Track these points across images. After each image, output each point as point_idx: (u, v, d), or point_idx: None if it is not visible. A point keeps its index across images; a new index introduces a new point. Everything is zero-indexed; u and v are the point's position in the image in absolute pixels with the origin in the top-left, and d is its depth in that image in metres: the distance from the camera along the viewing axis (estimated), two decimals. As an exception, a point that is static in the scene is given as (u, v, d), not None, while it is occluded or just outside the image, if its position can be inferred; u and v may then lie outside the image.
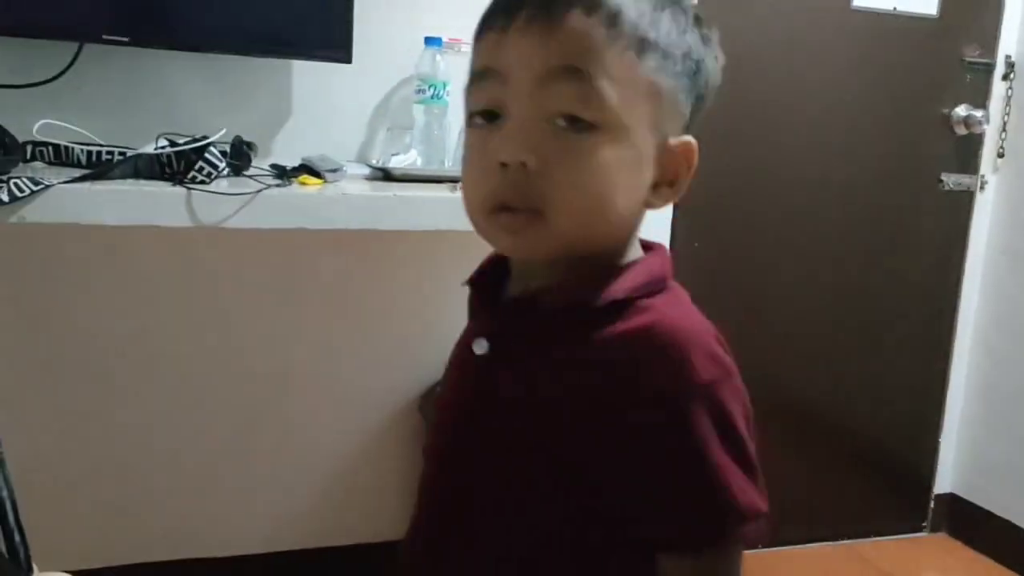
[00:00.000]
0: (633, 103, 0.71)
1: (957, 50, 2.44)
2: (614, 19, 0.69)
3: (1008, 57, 2.48)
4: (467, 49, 1.97)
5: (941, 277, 2.58)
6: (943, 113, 2.46)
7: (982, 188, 2.54)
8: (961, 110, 2.45)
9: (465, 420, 0.79)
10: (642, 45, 0.70)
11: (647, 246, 0.81)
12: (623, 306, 0.73)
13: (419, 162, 1.84)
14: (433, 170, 1.81)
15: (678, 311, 0.75)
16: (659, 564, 0.71)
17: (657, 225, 2.36)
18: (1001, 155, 2.53)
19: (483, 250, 2.08)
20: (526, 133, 0.69)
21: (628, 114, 0.70)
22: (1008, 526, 2.49)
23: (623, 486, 0.71)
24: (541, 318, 0.75)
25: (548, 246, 0.72)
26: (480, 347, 0.77)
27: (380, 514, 2.17)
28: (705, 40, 0.76)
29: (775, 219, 2.40)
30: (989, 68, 2.48)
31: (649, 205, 0.77)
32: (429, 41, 1.86)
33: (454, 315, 2.23)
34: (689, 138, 0.77)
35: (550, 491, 0.73)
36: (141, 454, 1.99)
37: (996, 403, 2.54)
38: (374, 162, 1.90)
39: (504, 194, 0.70)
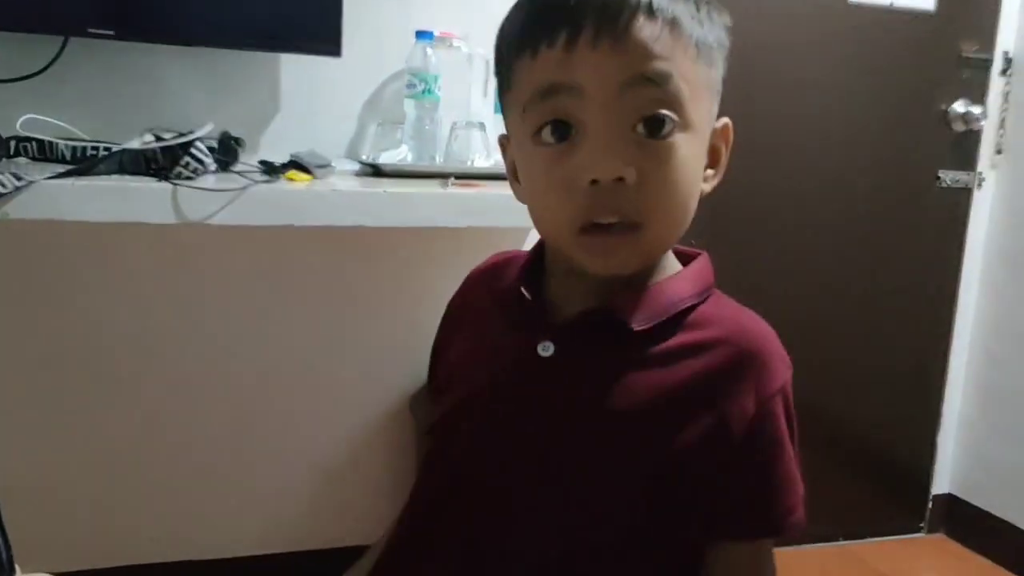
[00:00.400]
0: (699, 99, 0.73)
1: (955, 46, 2.42)
2: (673, 23, 0.71)
3: (1006, 53, 2.46)
4: (458, 43, 1.95)
5: (939, 274, 2.55)
6: (941, 109, 2.44)
7: (980, 185, 2.52)
8: (959, 106, 2.43)
9: (522, 422, 0.79)
10: (698, 45, 0.73)
11: (680, 250, 0.84)
12: (688, 311, 0.78)
13: (410, 158, 1.81)
14: (424, 166, 1.79)
15: (745, 315, 0.81)
16: (712, 553, 0.77)
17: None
18: (999, 151, 2.51)
19: (476, 248, 2.05)
20: (616, 147, 0.70)
21: (696, 110, 0.73)
22: (1006, 526, 2.47)
23: (699, 482, 0.75)
24: (615, 330, 0.76)
25: (640, 260, 0.75)
26: (546, 350, 0.77)
27: (372, 516, 2.12)
28: (727, 26, 0.80)
29: (772, 216, 2.38)
30: (987, 64, 2.45)
31: (702, 192, 0.79)
32: (420, 35, 1.83)
33: (438, 311, 2.21)
34: (726, 119, 0.81)
35: (616, 490, 0.75)
36: (128, 455, 1.96)
37: (994, 402, 2.52)
38: (364, 158, 1.87)
39: (597, 212, 0.71)
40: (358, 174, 1.79)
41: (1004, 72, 2.47)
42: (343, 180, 1.70)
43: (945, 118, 2.44)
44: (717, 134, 0.79)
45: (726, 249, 2.37)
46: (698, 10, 0.74)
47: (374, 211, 1.60)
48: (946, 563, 2.53)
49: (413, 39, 1.85)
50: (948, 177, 2.48)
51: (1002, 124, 2.49)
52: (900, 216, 2.48)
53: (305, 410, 2.06)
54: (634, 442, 0.75)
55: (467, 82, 1.91)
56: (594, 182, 0.70)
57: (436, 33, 1.86)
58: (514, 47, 0.75)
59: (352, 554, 2.13)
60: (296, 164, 1.65)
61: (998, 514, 2.49)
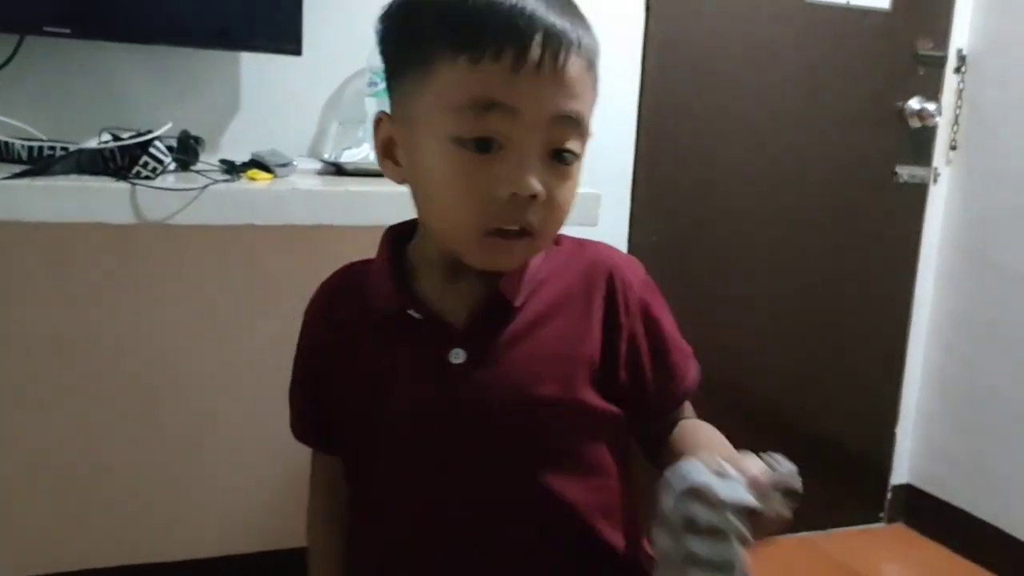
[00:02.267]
0: (591, 127, 0.82)
1: (910, 44, 2.46)
2: (592, 60, 0.80)
3: (960, 50, 2.50)
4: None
5: (897, 268, 2.60)
6: (897, 106, 2.48)
7: (935, 180, 2.57)
8: (914, 103, 2.47)
9: (449, 427, 0.84)
10: (596, 79, 0.82)
11: None
12: (552, 268, 0.89)
13: (372, 156, 1.81)
14: (387, 165, 1.78)
15: (588, 243, 0.94)
16: (666, 428, 0.92)
17: (616, 221, 2.35)
18: (954, 147, 2.55)
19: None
20: (535, 167, 0.77)
21: (588, 138, 0.82)
22: (964, 516, 2.52)
23: (625, 386, 0.88)
24: (507, 314, 0.85)
25: (523, 260, 0.85)
26: (457, 356, 0.83)
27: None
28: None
29: (731, 214, 2.40)
30: (941, 61, 2.50)
31: None
32: (381, 33, 1.83)
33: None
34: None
35: (567, 440, 0.87)
36: (88, 456, 1.94)
37: (951, 394, 2.57)
38: (326, 156, 1.86)
39: (505, 219, 0.78)
40: (320, 173, 1.78)
41: (958, 70, 2.51)
42: (304, 179, 1.69)
43: (901, 115, 2.48)
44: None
45: (686, 246, 2.41)
46: (597, 52, 0.82)
47: (335, 210, 1.59)
48: (906, 553, 2.57)
49: (374, 37, 1.84)
50: (905, 173, 2.53)
51: (956, 120, 2.54)
52: (858, 211, 2.52)
53: (267, 410, 2.04)
54: (560, 390, 0.85)
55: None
56: (512, 195, 0.76)
57: (397, 31, 1.86)
58: (441, 42, 0.76)
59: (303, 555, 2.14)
60: (257, 163, 1.65)
61: (956, 504, 2.54)
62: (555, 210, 0.80)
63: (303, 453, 2.10)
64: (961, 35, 2.50)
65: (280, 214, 1.56)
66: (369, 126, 1.83)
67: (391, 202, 1.61)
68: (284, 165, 1.65)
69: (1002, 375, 2.43)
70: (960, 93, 2.52)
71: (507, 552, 0.85)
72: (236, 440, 2.04)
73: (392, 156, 0.85)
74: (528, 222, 0.78)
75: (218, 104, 1.89)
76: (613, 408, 0.88)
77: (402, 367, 0.86)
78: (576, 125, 0.79)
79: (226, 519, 2.07)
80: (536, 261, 0.87)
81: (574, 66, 0.77)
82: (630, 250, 2.32)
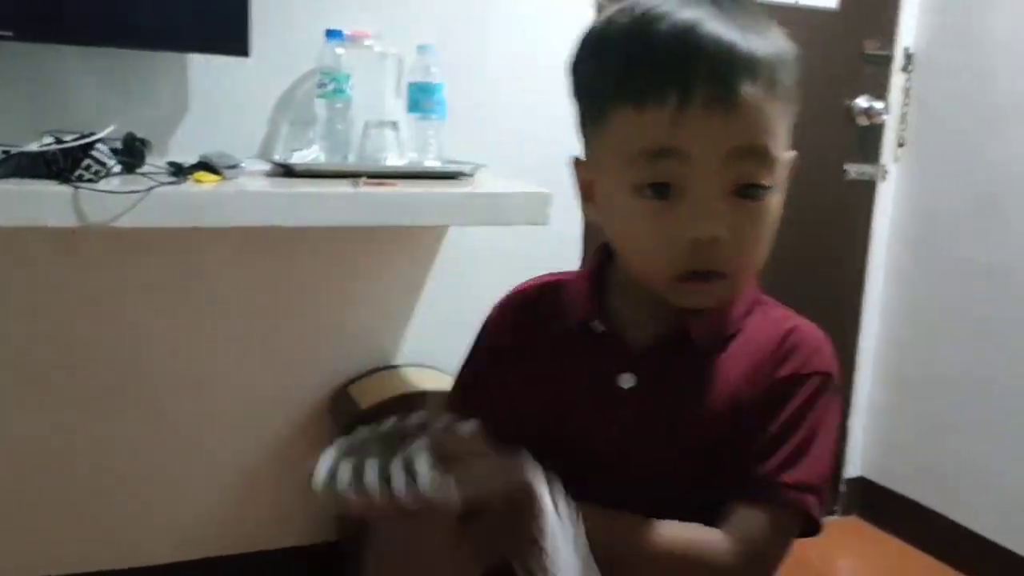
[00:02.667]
0: (785, 149, 0.78)
1: (857, 43, 2.50)
2: (773, 81, 0.74)
3: (907, 49, 2.55)
4: (371, 43, 1.94)
5: (847, 264, 2.64)
6: (845, 105, 2.52)
7: (884, 177, 2.61)
8: (862, 101, 2.51)
9: (614, 451, 0.82)
10: (787, 93, 0.76)
11: None
12: (743, 322, 0.84)
13: (322, 157, 1.81)
14: (336, 165, 1.78)
15: (792, 317, 0.87)
16: (731, 512, 0.78)
17: (569, 220, 2.36)
18: (901, 145, 2.60)
19: (391, 247, 2.06)
20: (714, 209, 0.74)
21: (781, 166, 0.77)
22: (917, 508, 2.56)
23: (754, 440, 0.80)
24: (691, 351, 0.82)
25: (726, 298, 0.82)
26: (627, 381, 0.82)
27: (289, 520, 2.13)
28: (796, 55, 0.80)
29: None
30: (888, 60, 2.54)
31: None
32: (330, 34, 1.83)
33: (360, 312, 2.22)
34: (794, 153, 0.82)
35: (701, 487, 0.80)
36: (36, 462, 1.91)
37: (902, 387, 2.61)
38: (277, 158, 1.86)
39: (695, 264, 0.75)
40: (269, 174, 1.77)
41: (905, 68, 2.56)
42: (253, 180, 1.68)
43: (849, 113, 2.52)
44: (787, 167, 0.81)
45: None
46: (784, 59, 0.76)
47: (283, 211, 1.59)
48: (860, 545, 2.61)
49: (324, 38, 1.84)
50: (853, 170, 2.57)
51: (904, 118, 2.58)
52: (809, 209, 2.54)
53: (219, 414, 2.04)
54: (715, 444, 0.80)
55: (380, 81, 1.91)
56: (694, 239, 0.74)
57: (348, 32, 1.86)
58: (614, 90, 0.76)
59: (278, 557, 2.13)
60: (204, 165, 1.64)
61: (909, 496, 2.58)
62: (746, 251, 0.77)
63: (258, 458, 2.10)
64: (908, 34, 2.55)
65: (226, 216, 1.56)
66: (319, 127, 1.85)
67: (338, 203, 1.62)
68: (232, 167, 1.64)
69: (952, 367, 2.47)
70: (907, 91, 2.57)
71: None
72: (193, 446, 2.02)
73: (592, 199, 0.84)
74: (718, 265, 0.76)
75: (166, 106, 1.87)
76: None
77: (574, 381, 0.85)
78: (759, 156, 0.74)
79: (180, 525, 2.05)
80: (738, 310, 0.84)
81: (749, 93, 0.72)
82: (585, 248, 2.34)
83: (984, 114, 2.41)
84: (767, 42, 0.75)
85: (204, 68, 1.87)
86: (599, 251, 0.89)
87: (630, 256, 0.81)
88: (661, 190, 0.74)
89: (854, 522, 2.70)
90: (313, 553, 2.16)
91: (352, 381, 2.11)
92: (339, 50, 1.82)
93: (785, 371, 0.81)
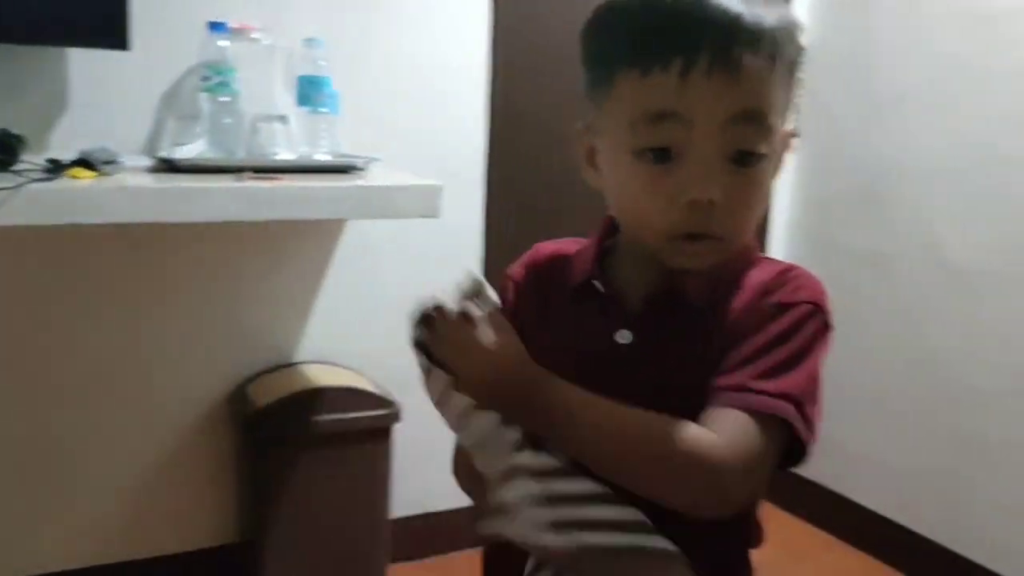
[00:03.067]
0: (784, 120, 0.81)
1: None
2: (775, 53, 0.77)
3: (797, 42, 2.61)
4: (257, 35, 1.91)
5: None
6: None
7: (779, 167, 2.67)
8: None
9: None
10: (790, 66, 0.80)
11: None
12: (738, 278, 0.85)
13: (209, 152, 1.77)
14: (220, 159, 1.75)
15: (785, 265, 0.87)
16: (709, 417, 0.77)
17: (469, 211, 2.35)
18: (795, 135, 2.66)
19: (282, 242, 2.02)
20: (712, 173, 0.77)
21: (778, 135, 0.81)
22: (820, 489, 2.63)
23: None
24: (682, 308, 0.84)
25: (719, 260, 0.83)
26: (624, 337, 0.85)
27: (192, 522, 2.09)
28: (802, 31, 0.83)
29: (570, 204, 2.44)
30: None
31: None
32: (213, 27, 1.79)
33: (257, 309, 2.19)
34: (792, 128, 0.85)
35: None
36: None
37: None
38: (163, 153, 1.82)
39: (690, 225, 0.78)
40: (153, 170, 1.73)
41: (795, 60, 2.62)
42: (134, 176, 1.65)
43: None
44: (785, 140, 0.85)
45: (543, 235, 2.43)
46: (789, 32, 0.79)
47: (163, 207, 1.56)
48: (768, 529, 2.66)
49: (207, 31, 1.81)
50: (749, 161, 2.61)
51: (797, 109, 2.64)
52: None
53: (115, 417, 1.99)
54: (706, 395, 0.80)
55: (269, 75, 1.89)
56: (691, 202, 0.77)
57: (233, 25, 1.83)
58: (621, 56, 0.79)
59: (181, 560, 2.09)
60: (82, 161, 1.59)
61: (812, 479, 2.65)
62: (738, 214, 0.80)
63: (158, 459, 2.06)
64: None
65: (104, 213, 1.52)
66: (205, 122, 1.81)
67: (221, 198, 1.59)
68: (110, 162, 1.60)
69: (849, 353, 2.53)
70: (799, 82, 2.63)
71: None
72: (83, 451, 1.97)
73: (594, 164, 0.87)
74: (711, 228, 0.79)
75: (43, 102, 1.81)
76: None
77: (576, 337, 0.88)
78: (757, 123, 0.77)
79: (79, 530, 2.00)
80: (734, 268, 0.85)
81: (752, 62, 0.75)
82: (486, 240, 2.34)
83: (868, 107, 2.49)
84: (772, 14, 0.77)
85: (84, 63, 1.82)
86: (606, 220, 0.93)
87: (629, 218, 0.85)
88: (662, 154, 0.78)
89: (764, 507, 2.75)
90: (216, 555, 2.12)
91: (250, 380, 2.08)
92: (223, 43, 1.79)
93: (772, 299, 0.82)
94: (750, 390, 0.78)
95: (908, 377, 2.42)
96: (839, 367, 2.53)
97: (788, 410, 0.78)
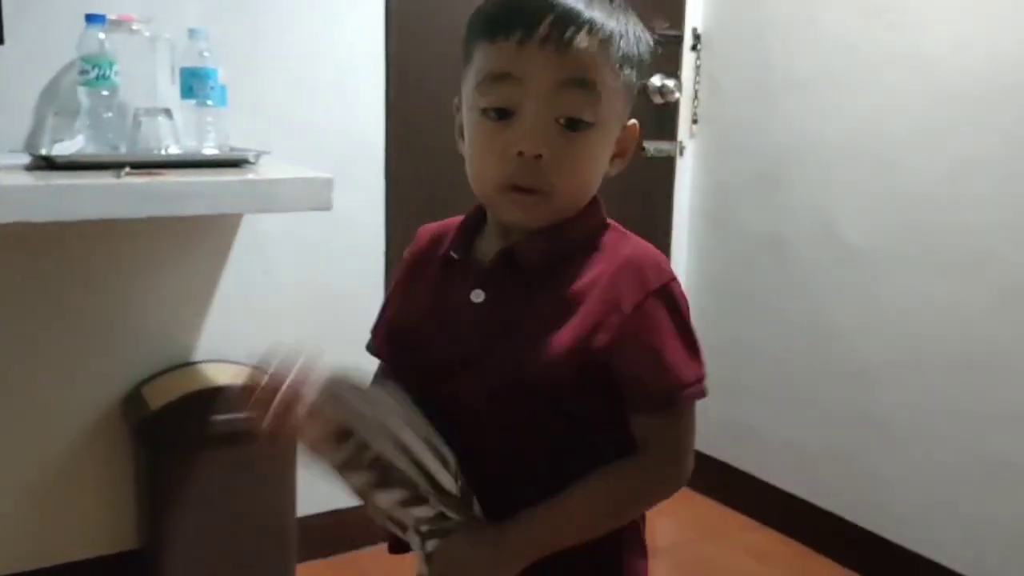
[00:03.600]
0: (614, 104, 0.91)
1: (647, 24, 2.55)
2: (608, 41, 0.88)
3: (695, 29, 2.65)
4: (139, 27, 1.86)
5: (653, 238, 2.66)
6: (641, 83, 2.58)
7: (681, 153, 2.71)
8: (656, 80, 2.59)
9: (469, 358, 0.93)
10: (623, 59, 0.90)
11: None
12: (585, 247, 0.95)
13: (89, 148, 1.72)
14: (103, 155, 1.70)
15: (632, 241, 0.97)
16: (633, 424, 0.93)
17: (371, 202, 2.33)
18: (695, 121, 2.70)
19: (167, 239, 1.96)
20: (542, 130, 0.88)
21: (610, 114, 0.91)
22: (729, 469, 2.68)
23: (608, 370, 0.91)
24: (525, 268, 0.94)
25: (547, 218, 0.93)
26: (477, 296, 0.94)
27: (88, 530, 2.03)
28: (650, 45, 0.96)
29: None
30: (678, 40, 2.63)
31: (607, 174, 0.98)
32: (90, 19, 1.73)
33: (150, 309, 2.13)
34: (634, 121, 0.98)
35: (552, 398, 0.91)
36: None
37: (708, 354, 2.71)
38: (42, 151, 1.75)
39: (518, 177, 0.89)
40: (30, 168, 1.67)
41: (694, 48, 2.65)
42: (9, 175, 1.58)
43: (644, 92, 2.59)
44: (626, 131, 0.97)
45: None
46: (627, 30, 0.91)
47: (38, 205, 1.50)
48: (677, 508, 2.66)
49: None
50: (652, 147, 2.65)
51: (696, 96, 2.68)
52: (612, 186, 2.60)
53: (1, 426, 1.92)
54: (556, 352, 0.89)
55: (151, 67, 1.83)
56: (520, 154, 0.88)
57: (112, 17, 1.77)
58: (478, 31, 0.91)
59: (77, 569, 2.03)
60: (-50, 160, 1.53)
61: (720, 458, 2.69)
62: (565, 172, 0.90)
63: (49, 466, 1.99)
64: (695, 15, 2.64)
65: (-30, 212, 1.46)
66: (84, 116, 1.76)
67: (99, 195, 1.54)
68: (-22, 161, 1.54)
69: (753, 334, 2.59)
70: (698, 70, 2.67)
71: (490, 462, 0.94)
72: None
73: (463, 136, 0.98)
74: (537, 182, 0.89)
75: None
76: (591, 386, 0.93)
77: (445, 300, 0.98)
78: (584, 91, 0.88)
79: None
80: (574, 234, 0.95)
81: (583, 41, 0.86)
82: (388, 233, 2.32)
83: (764, 92, 2.54)
84: (609, 16, 0.89)
85: (-45, 58, 1.75)
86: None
87: (474, 175, 0.95)
88: (500, 112, 0.89)
89: (670, 487, 2.79)
90: (116, 563, 2.07)
91: (145, 381, 2.03)
92: (102, 35, 1.73)
93: (647, 289, 0.92)
94: (676, 387, 0.93)
95: (808, 356, 2.47)
96: (742, 349, 2.60)
97: (702, 389, 0.95)
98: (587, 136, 0.90)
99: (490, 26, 0.89)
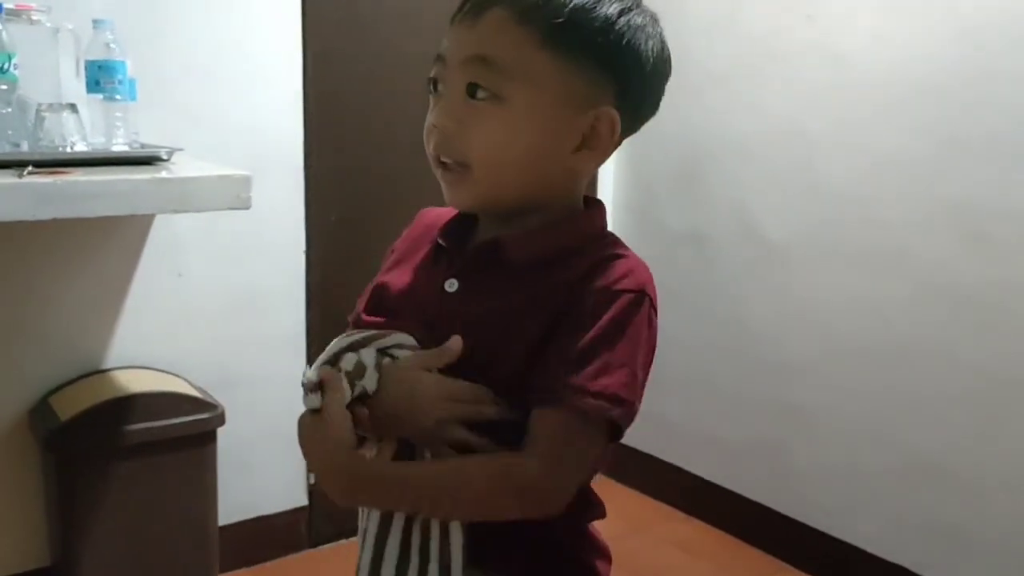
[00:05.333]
0: (534, 81, 0.86)
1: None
2: (523, 15, 0.85)
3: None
4: (39, 17, 1.76)
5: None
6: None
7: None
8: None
9: (437, 346, 0.90)
10: (551, 32, 0.85)
11: (587, 201, 0.96)
12: (571, 253, 0.90)
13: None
14: (3, 153, 1.59)
15: (620, 250, 0.91)
16: (529, 421, 0.84)
17: (290, 202, 2.26)
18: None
19: (77, 241, 1.86)
20: (451, 104, 0.88)
21: (527, 90, 0.86)
22: (657, 463, 2.71)
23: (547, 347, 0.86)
24: (503, 264, 0.91)
25: (476, 194, 0.90)
26: (451, 286, 0.92)
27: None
28: (632, 25, 0.88)
29: (408, 188, 2.40)
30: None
31: (574, 167, 0.91)
32: (-13, 8, 1.63)
33: (56, 314, 2.03)
34: (607, 108, 0.88)
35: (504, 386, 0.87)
36: None
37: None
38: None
39: (438, 150, 0.90)
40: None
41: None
42: None
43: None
44: (588, 120, 0.88)
45: (366, 224, 2.37)
46: (555, 10, 0.85)
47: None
48: (605, 500, 2.70)
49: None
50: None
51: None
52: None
53: None
54: (515, 355, 0.87)
55: (54, 59, 1.73)
56: (434, 127, 0.89)
57: (10, 6, 1.67)
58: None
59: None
60: None
61: (649, 452, 2.71)
62: (473, 144, 0.87)
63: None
64: (616, 9, 2.64)
65: None
66: None
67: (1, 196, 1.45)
68: None
69: (676, 329, 2.60)
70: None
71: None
72: None
73: None
74: (451, 154, 0.89)
75: None
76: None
77: (424, 285, 0.96)
78: (487, 65, 0.86)
79: None
80: (558, 236, 0.91)
81: (494, 16, 0.86)
82: (308, 231, 2.26)
83: (684, 88, 2.52)
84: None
85: None
86: None
87: None
88: (435, 86, 0.91)
89: (599, 479, 2.79)
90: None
91: (53, 391, 1.93)
92: (0, 26, 1.63)
93: (597, 284, 0.86)
94: (580, 391, 0.82)
95: (729, 351, 2.50)
96: (665, 343, 2.59)
97: (614, 411, 0.83)
98: (494, 110, 0.86)
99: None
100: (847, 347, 2.22)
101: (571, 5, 0.85)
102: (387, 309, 0.97)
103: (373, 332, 0.91)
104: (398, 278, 1.00)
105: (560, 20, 0.84)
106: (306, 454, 0.88)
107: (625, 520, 2.59)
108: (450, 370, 0.89)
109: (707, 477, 2.60)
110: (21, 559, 1.97)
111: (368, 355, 0.89)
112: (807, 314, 2.31)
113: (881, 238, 2.13)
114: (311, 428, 0.87)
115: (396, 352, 0.90)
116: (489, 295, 0.91)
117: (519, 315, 0.88)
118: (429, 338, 0.91)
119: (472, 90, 0.86)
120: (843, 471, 2.25)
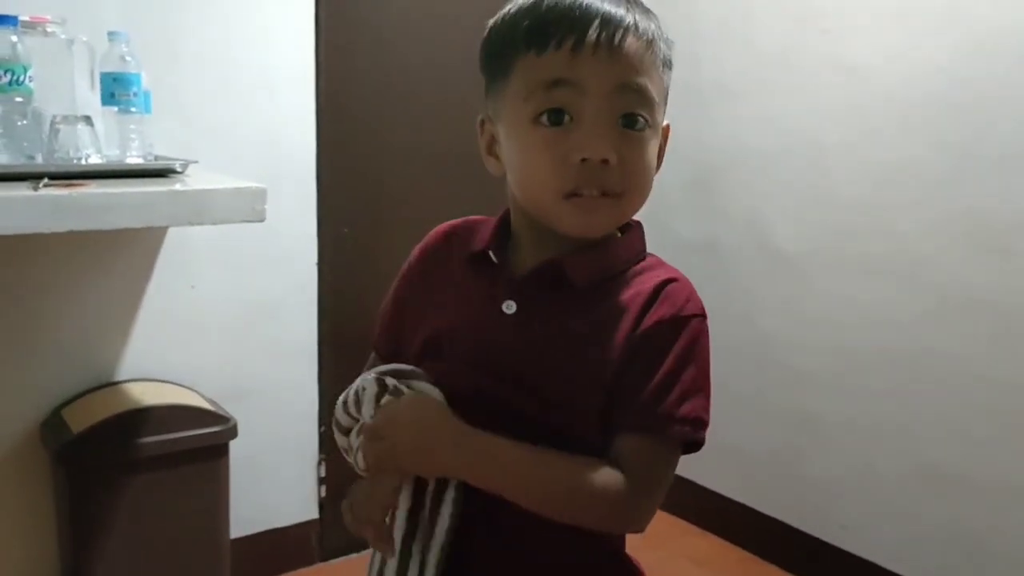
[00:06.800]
0: (661, 104, 0.90)
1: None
2: (651, 43, 0.88)
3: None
4: (54, 29, 1.76)
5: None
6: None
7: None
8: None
9: (495, 368, 0.90)
10: (662, 61, 0.90)
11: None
12: (624, 274, 0.93)
13: (2, 158, 1.61)
14: (18, 166, 1.59)
15: (669, 270, 0.94)
16: (614, 442, 0.87)
17: (303, 215, 2.26)
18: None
19: (92, 255, 1.85)
20: (604, 134, 0.86)
21: (658, 114, 0.90)
22: (674, 478, 2.67)
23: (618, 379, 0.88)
24: (563, 286, 0.91)
25: (610, 224, 0.92)
26: (509, 308, 0.92)
27: (11, 561, 1.93)
28: (672, 48, 0.94)
29: (421, 199, 2.39)
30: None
31: None
32: (2, 20, 1.62)
33: (70, 327, 2.02)
34: (667, 122, 0.95)
35: (575, 416, 0.88)
36: None
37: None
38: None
39: (581, 184, 0.87)
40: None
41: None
42: None
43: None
44: (662, 132, 0.94)
45: (378, 235, 2.37)
46: (661, 34, 0.91)
47: (-54, 220, 1.40)
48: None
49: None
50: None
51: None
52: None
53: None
54: (586, 377, 0.88)
55: (69, 71, 1.73)
56: (583, 160, 0.86)
57: (25, 18, 1.67)
58: (518, 45, 0.88)
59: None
60: None
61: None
62: (630, 174, 0.88)
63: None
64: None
65: None
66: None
67: (13, 208, 1.45)
68: None
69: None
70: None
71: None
72: None
73: (494, 153, 0.96)
74: (604, 185, 0.87)
75: None
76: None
77: (470, 304, 0.95)
78: (639, 92, 0.87)
79: None
80: (618, 255, 0.94)
81: (632, 45, 0.86)
82: (320, 243, 2.26)
83: (697, 99, 2.55)
84: (647, 20, 0.89)
85: None
86: (507, 209, 1.00)
87: (528, 184, 0.91)
88: (556, 116, 0.87)
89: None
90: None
91: (66, 404, 1.93)
92: (14, 38, 1.62)
93: (665, 314, 0.89)
94: (667, 418, 0.86)
95: (743, 361, 2.48)
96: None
97: (698, 435, 0.89)
98: (645, 137, 0.89)
99: (535, 37, 0.87)
100: (861, 358, 2.20)
101: (663, 31, 0.91)
102: (442, 336, 0.96)
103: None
104: (442, 302, 0.98)
105: (668, 45, 0.91)
106: (399, 425, 0.89)
107: (641, 535, 2.57)
108: (502, 389, 0.89)
109: (722, 491, 2.58)
110: (32, 572, 1.96)
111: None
112: (821, 325, 2.29)
113: (896, 249, 2.12)
114: (407, 403, 0.89)
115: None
116: (549, 318, 0.91)
117: (582, 341, 0.89)
118: (483, 360, 0.91)
119: (630, 120, 0.87)
120: (860, 483, 2.23)
